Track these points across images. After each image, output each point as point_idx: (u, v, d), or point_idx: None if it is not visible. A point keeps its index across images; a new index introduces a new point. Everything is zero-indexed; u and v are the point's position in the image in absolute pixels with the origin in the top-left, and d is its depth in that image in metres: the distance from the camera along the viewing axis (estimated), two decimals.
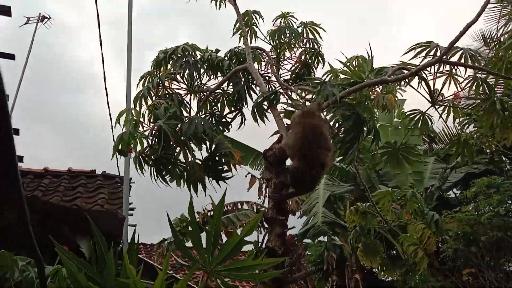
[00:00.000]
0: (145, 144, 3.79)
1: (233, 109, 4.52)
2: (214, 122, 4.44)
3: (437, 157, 11.56)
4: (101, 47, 6.47)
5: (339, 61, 3.91)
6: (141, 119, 3.94)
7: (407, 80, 3.60)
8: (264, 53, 4.78)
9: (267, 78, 4.58)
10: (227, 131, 4.57)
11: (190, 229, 1.57)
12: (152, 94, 4.21)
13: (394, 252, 9.95)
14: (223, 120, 4.49)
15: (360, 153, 11.57)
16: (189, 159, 3.78)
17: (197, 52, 4.35)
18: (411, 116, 3.90)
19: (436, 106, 3.70)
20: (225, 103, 4.48)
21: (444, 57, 3.36)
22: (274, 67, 4.60)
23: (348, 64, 3.89)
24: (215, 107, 4.51)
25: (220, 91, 4.47)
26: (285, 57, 4.78)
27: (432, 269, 9.12)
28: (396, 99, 5.67)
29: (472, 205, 9.08)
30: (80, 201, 6.30)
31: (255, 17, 4.97)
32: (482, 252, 8.43)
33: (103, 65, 6.71)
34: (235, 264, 1.62)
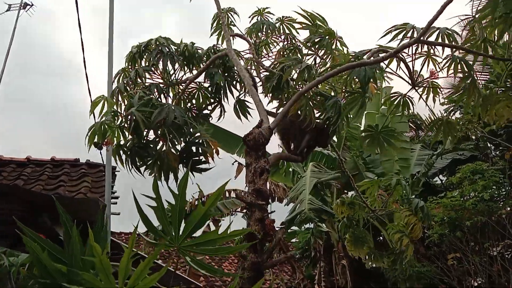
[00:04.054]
0: (123, 136, 3.67)
1: (212, 100, 4.37)
2: (191, 115, 4.27)
3: (423, 144, 11.65)
4: (81, 33, 6.35)
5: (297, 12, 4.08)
6: (118, 109, 3.81)
7: (385, 62, 3.56)
8: (245, 42, 4.63)
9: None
10: (207, 123, 4.41)
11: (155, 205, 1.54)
12: (129, 89, 4.03)
13: (381, 239, 10.02)
14: (202, 113, 4.35)
15: (348, 140, 11.68)
16: (164, 148, 3.68)
17: (172, 46, 4.17)
18: (392, 99, 3.89)
19: (417, 88, 3.68)
20: (201, 97, 4.33)
21: (422, 37, 3.32)
22: (254, 62, 4.46)
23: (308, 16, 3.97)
24: (191, 101, 4.36)
25: (195, 86, 4.32)
26: (263, 55, 4.64)
27: (418, 254, 9.21)
28: (382, 86, 5.66)
29: (457, 190, 9.17)
30: (63, 189, 6.20)
31: (231, 15, 4.75)
32: (467, 237, 8.54)
33: (83, 52, 6.59)
34: (202, 238, 1.59)
